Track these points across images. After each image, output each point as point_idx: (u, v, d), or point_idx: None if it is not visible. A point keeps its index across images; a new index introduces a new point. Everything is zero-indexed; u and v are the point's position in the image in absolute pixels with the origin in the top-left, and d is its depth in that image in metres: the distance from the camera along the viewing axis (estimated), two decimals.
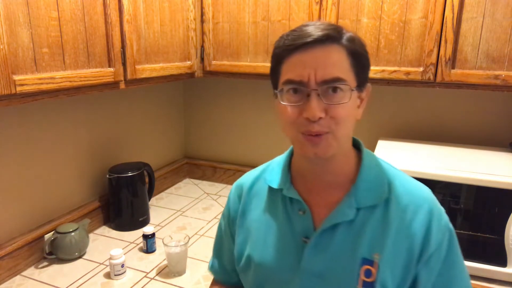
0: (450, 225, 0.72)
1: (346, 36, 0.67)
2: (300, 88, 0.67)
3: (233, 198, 0.88)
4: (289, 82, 0.68)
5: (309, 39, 0.65)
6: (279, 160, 0.86)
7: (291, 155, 0.83)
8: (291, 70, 0.68)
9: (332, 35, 0.66)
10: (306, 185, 0.77)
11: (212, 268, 0.97)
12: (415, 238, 0.68)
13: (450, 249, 0.70)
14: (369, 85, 0.73)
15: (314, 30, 0.66)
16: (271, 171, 0.83)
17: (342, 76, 0.66)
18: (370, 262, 0.68)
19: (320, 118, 0.65)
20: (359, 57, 0.68)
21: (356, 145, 0.79)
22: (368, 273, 0.68)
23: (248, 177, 0.89)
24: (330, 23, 0.70)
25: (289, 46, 0.68)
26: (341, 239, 0.71)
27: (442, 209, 0.73)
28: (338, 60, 0.66)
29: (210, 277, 1.29)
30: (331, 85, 0.66)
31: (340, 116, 0.67)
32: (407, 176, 0.77)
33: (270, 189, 0.81)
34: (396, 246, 0.69)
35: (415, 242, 0.68)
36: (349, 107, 0.67)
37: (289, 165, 0.81)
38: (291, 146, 0.80)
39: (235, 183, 0.91)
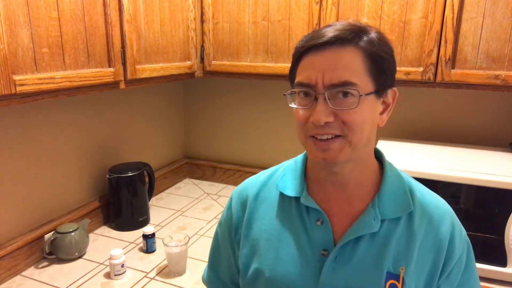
0: (467, 238, 0.73)
1: (366, 37, 0.64)
2: (309, 91, 0.65)
3: (236, 206, 0.82)
4: (299, 84, 0.66)
5: (320, 41, 0.63)
6: (290, 166, 0.80)
7: (305, 161, 0.78)
8: (302, 72, 0.66)
9: (346, 37, 0.63)
10: (324, 194, 0.72)
11: (207, 281, 0.90)
12: (440, 251, 0.67)
13: (468, 262, 0.70)
14: (394, 89, 0.70)
15: (330, 31, 0.64)
16: (283, 177, 0.78)
17: (352, 80, 0.62)
18: (396, 277, 0.65)
19: (328, 122, 0.63)
20: (378, 60, 0.64)
21: (376, 154, 0.75)
22: None
23: (252, 183, 0.83)
24: (354, 23, 0.66)
25: (302, 48, 0.66)
26: (365, 252, 0.67)
27: (459, 221, 0.73)
28: (351, 63, 0.63)
29: None
30: (340, 89, 0.62)
31: (351, 121, 0.63)
32: (424, 187, 0.75)
33: (282, 196, 0.76)
34: (421, 259, 0.67)
35: (439, 255, 0.67)
36: (363, 112, 0.63)
37: (304, 172, 0.77)
38: (305, 151, 0.76)
39: (236, 190, 0.86)
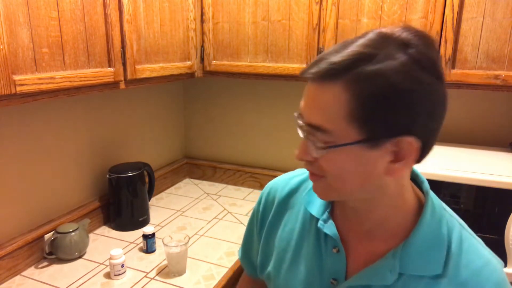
0: None
1: (365, 70, 0.49)
2: (299, 122, 0.58)
3: (266, 200, 0.80)
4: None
5: (309, 70, 0.54)
6: None
7: None
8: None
9: (332, 72, 0.51)
10: (346, 220, 0.66)
11: (241, 259, 0.93)
12: None
13: None
14: (409, 140, 0.52)
15: (330, 56, 0.52)
16: (311, 190, 0.70)
17: (326, 125, 0.52)
18: None
19: (307, 160, 0.57)
20: (373, 102, 0.50)
21: (421, 189, 0.65)
22: None
23: (284, 184, 0.78)
24: (358, 49, 0.51)
25: (300, 74, 0.57)
26: None
27: None
28: (330, 105, 0.52)
29: (210, 277, 1.29)
30: (311, 130, 0.55)
31: (324, 168, 0.55)
32: (476, 242, 0.62)
33: (305, 209, 0.71)
34: None
35: None
36: (340, 162, 0.54)
37: None
38: None
39: (268, 186, 0.82)
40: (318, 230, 0.67)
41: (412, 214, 0.61)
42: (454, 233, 0.60)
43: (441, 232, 0.59)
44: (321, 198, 0.62)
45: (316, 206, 0.69)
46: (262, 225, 0.80)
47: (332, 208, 0.68)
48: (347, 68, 0.50)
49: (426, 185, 0.64)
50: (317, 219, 0.68)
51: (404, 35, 0.52)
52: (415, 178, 0.66)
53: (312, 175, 0.60)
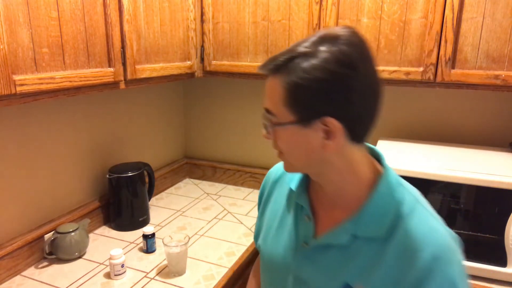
0: (460, 282, 0.63)
1: (294, 64, 0.63)
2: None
3: (264, 182, 0.95)
4: None
5: (260, 70, 0.69)
6: None
7: None
8: None
9: (271, 68, 0.66)
10: (316, 194, 0.78)
11: (255, 239, 0.97)
12: (404, 284, 0.64)
13: None
14: (330, 120, 0.63)
15: (272, 58, 0.67)
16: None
17: (271, 109, 0.67)
18: None
19: (268, 138, 0.71)
20: (297, 90, 0.63)
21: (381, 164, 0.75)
22: None
23: (278, 168, 0.92)
24: (296, 49, 0.64)
25: (258, 69, 0.71)
26: (331, 259, 0.71)
27: (457, 261, 0.65)
28: (272, 92, 0.66)
29: (210, 277, 1.29)
30: (264, 114, 0.70)
31: (279, 145, 0.70)
32: (428, 214, 0.69)
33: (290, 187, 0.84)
34: (382, 284, 0.66)
35: (403, 285, 0.64)
36: (285, 140, 0.68)
37: None
38: None
39: (270, 170, 0.97)
40: (297, 203, 0.80)
41: (368, 186, 0.71)
42: (405, 204, 0.69)
43: (393, 202, 0.69)
44: (286, 171, 0.75)
45: (295, 182, 0.82)
46: (260, 203, 0.95)
47: (309, 184, 0.81)
48: (284, 65, 0.64)
49: (383, 161, 0.74)
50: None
51: (339, 35, 0.63)
52: (377, 156, 0.76)
53: (278, 154, 0.73)
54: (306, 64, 0.62)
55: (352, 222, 0.69)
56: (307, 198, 0.78)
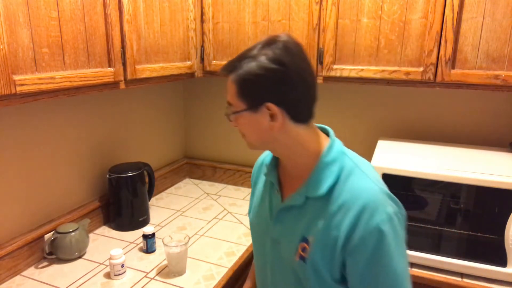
0: (385, 227, 0.76)
1: (240, 66, 0.80)
2: None
3: (254, 166, 1.09)
4: None
5: (220, 71, 0.85)
6: None
7: None
8: None
9: (227, 69, 0.82)
10: (282, 170, 0.94)
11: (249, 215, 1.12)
12: (340, 231, 0.79)
13: (377, 249, 0.76)
14: (268, 105, 0.80)
15: (230, 61, 0.83)
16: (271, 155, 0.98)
17: (230, 101, 0.84)
18: (306, 241, 0.83)
19: (234, 125, 0.87)
20: (244, 84, 0.80)
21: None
22: (304, 249, 0.84)
23: (264, 156, 1.07)
24: (247, 52, 0.81)
25: (219, 70, 0.87)
26: (292, 218, 0.88)
27: (383, 211, 0.77)
28: (230, 88, 0.83)
29: (210, 277, 1.29)
30: (228, 106, 0.86)
31: (240, 130, 0.87)
32: (364, 176, 0.83)
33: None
34: (325, 234, 0.81)
35: (340, 234, 0.79)
36: (243, 124, 0.84)
37: None
38: None
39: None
40: (270, 180, 0.96)
41: (316, 157, 0.85)
42: (345, 168, 0.83)
43: (334, 168, 0.83)
44: (249, 148, 0.90)
45: (268, 161, 0.97)
46: (251, 184, 1.09)
47: (278, 164, 0.95)
48: (236, 65, 0.81)
49: (331, 135, 0.89)
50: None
51: (277, 41, 0.81)
52: (327, 133, 0.91)
53: (242, 136, 0.89)
54: (250, 64, 0.79)
55: (304, 186, 0.85)
56: (276, 175, 0.94)
